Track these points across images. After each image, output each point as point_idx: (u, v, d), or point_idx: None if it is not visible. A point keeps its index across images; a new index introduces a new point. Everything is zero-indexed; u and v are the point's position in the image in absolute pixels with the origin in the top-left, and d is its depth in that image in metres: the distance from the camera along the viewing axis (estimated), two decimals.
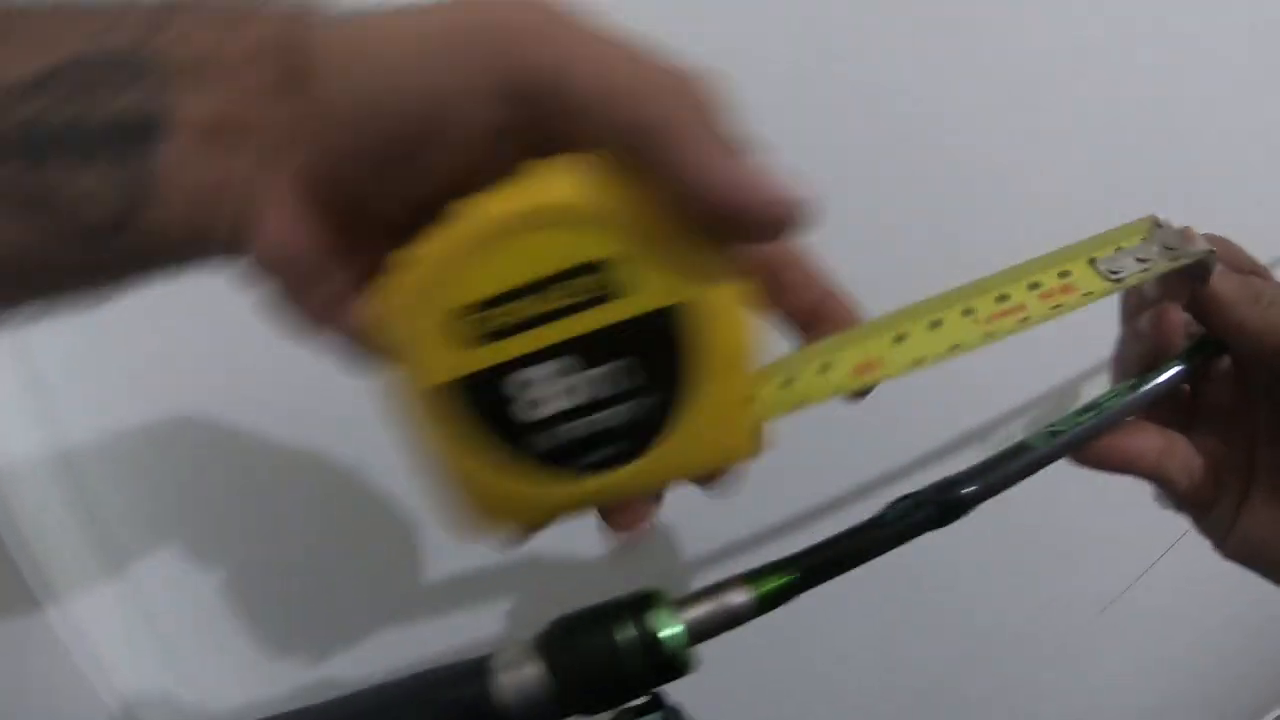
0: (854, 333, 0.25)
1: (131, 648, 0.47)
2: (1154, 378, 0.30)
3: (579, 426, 0.22)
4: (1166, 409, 0.32)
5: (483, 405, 0.21)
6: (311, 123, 0.20)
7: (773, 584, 0.25)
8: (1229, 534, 0.30)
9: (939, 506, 0.26)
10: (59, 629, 0.44)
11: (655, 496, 0.24)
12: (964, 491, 0.26)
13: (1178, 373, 0.30)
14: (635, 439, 0.22)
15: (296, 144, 0.20)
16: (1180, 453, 0.30)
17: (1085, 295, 0.26)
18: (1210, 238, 0.29)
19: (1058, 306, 0.25)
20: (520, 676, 0.25)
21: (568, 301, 0.21)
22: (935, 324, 0.25)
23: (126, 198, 0.20)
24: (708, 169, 0.19)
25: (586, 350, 0.21)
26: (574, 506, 0.23)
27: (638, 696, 0.25)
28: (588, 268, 0.20)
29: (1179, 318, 0.30)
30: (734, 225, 0.20)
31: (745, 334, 0.22)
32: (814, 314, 0.26)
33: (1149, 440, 0.30)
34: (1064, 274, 0.26)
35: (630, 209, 0.20)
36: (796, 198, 0.20)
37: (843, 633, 0.71)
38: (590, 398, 0.21)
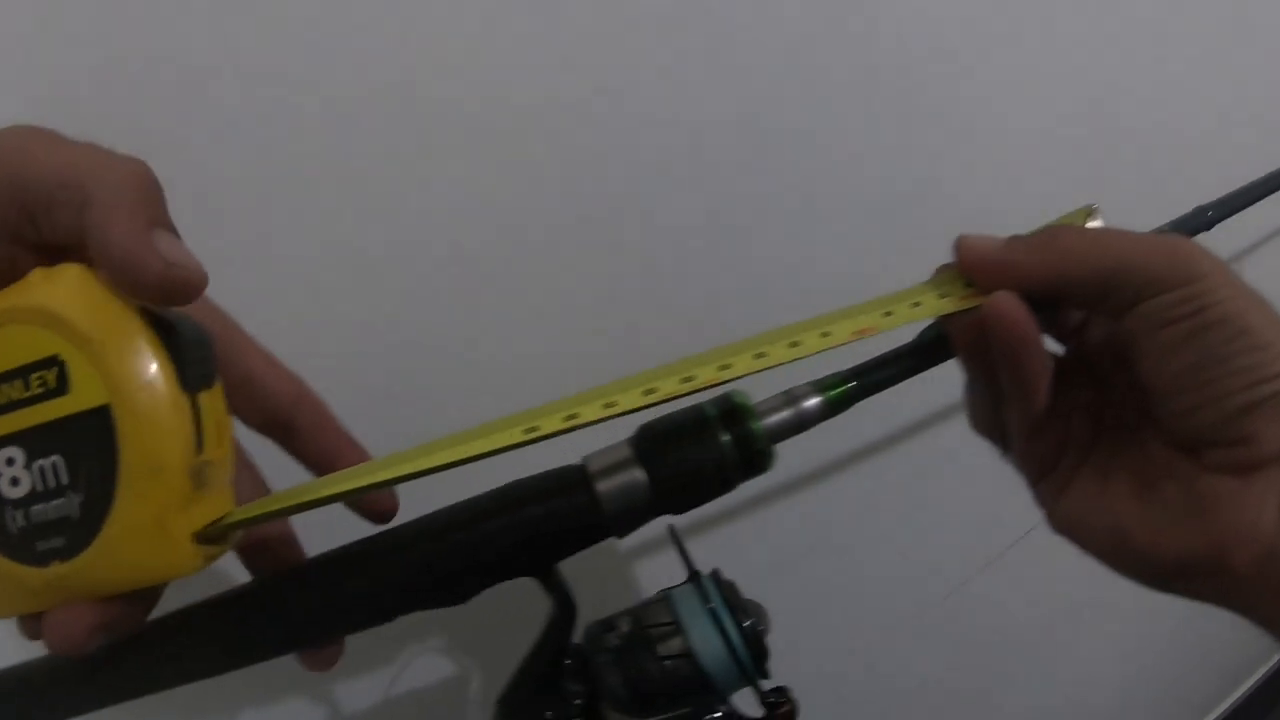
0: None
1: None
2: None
3: (27, 515, 0.23)
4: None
5: None
6: None
7: (839, 390, 0.28)
8: (1057, 503, 0.30)
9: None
10: None
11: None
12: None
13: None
14: (69, 537, 0.22)
15: None
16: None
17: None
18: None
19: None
20: (619, 483, 0.28)
21: (24, 394, 0.22)
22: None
23: None
24: (112, 231, 0.22)
25: (33, 443, 0.22)
26: (27, 596, 0.23)
27: (722, 494, 0.28)
28: (46, 363, 0.22)
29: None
30: (136, 286, 0.22)
31: (169, 442, 0.22)
32: (329, 458, 0.30)
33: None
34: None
35: (92, 310, 0.22)
36: (190, 271, 0.22)
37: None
38: (34, 489, 0.23)
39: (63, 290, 0.22)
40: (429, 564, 0.28)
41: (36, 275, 0.23)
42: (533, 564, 0.29)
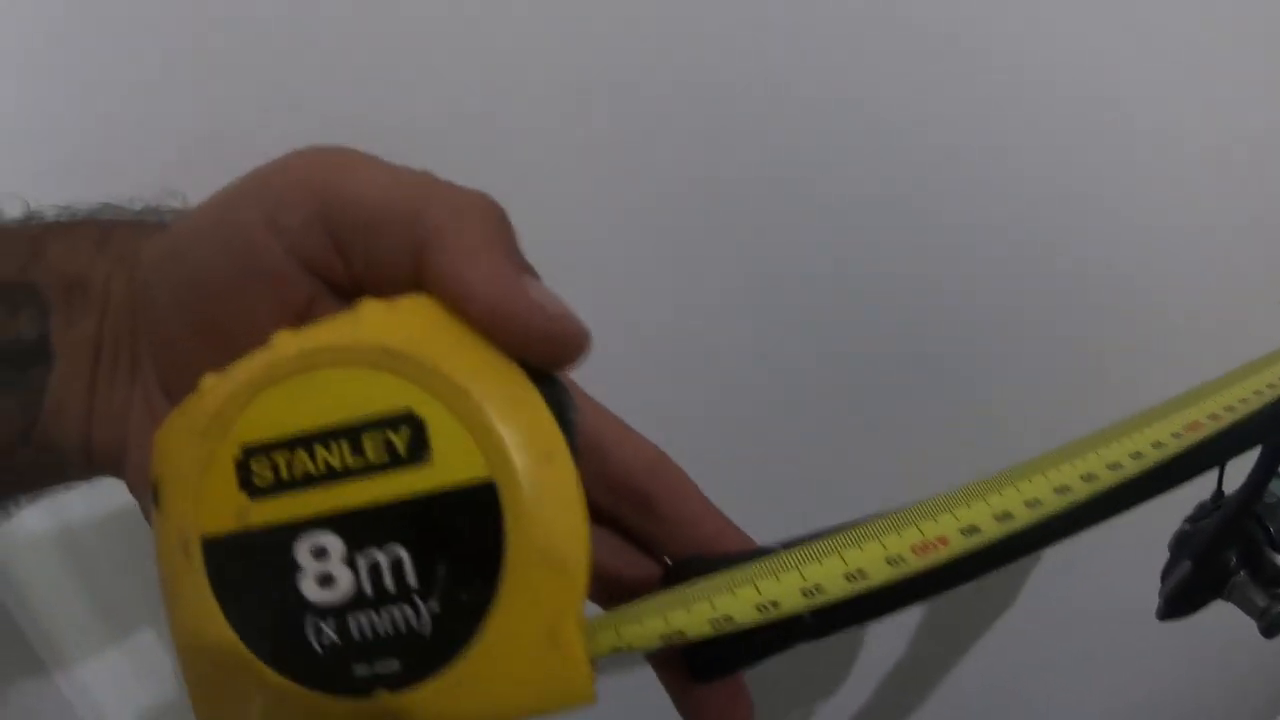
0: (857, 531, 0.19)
1: (131, 702, 0.53)
2: None
3: (342, 627, 0.17)
4: None
5: (259, 572, 0.17)
6: (150, 332, 0.21)
7: None
8: None
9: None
10: (65, 689, 0.50)
11: None
12: None
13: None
14: (410, 658, 0.17)
15: (145, 353, 0.21)
16: None
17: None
18: None
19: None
20: None
21: (352, 462, 0.17)
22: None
23: (27, 417, 0.21)
24: (473, 273, 0.18)
25: (359, 528, 0.17)
26: None
27: None
28: (393, 421, 0.17)
29: None
30: (509, 344, 0.18)
31: (577, 529, 0.17)
32: (697, 544, 0.23)
33: None
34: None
35: (462, 355, 0.18)
36: (575, 325, 0.18)
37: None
38: (358, 592, 0.17)
39: (418, 328, 0.18)
40: None
41: (370, 308, 0.18)
42: None
